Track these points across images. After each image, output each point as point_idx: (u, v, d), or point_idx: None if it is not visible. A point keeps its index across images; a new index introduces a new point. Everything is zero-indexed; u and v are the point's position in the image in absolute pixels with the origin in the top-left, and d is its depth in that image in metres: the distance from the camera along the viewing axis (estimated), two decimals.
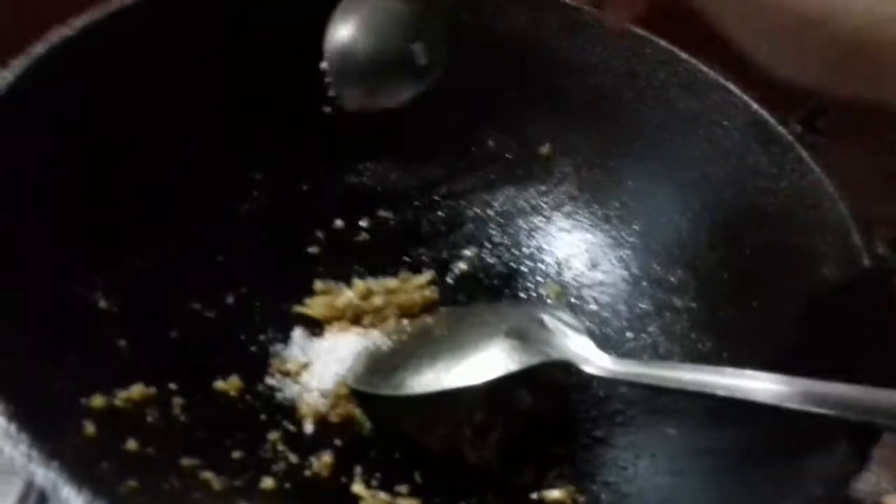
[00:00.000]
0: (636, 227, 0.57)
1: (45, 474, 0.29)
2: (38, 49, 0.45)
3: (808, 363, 0.40)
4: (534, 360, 0.44)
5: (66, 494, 0.29)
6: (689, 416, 0.47)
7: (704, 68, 0.52)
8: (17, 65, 0.44)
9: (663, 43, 0.53)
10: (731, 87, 0.51)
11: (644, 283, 0.55)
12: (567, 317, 0.47)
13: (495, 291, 0.57)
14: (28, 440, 0.30)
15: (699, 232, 0.53)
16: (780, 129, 0.49)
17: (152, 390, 0.44)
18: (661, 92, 0.54)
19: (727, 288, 0.50)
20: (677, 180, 0.54)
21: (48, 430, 0.33)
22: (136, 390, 0.43)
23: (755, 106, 0.51)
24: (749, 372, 0.39)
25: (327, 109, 0.59)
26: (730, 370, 0.40)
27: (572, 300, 0.57)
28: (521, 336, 0.45)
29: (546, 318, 0.46)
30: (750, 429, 0.42)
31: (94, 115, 0.48)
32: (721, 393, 0.38)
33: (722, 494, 0.40)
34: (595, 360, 0.43)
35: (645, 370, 0.42)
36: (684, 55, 0.53)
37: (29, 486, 0.49)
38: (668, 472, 0.44)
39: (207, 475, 0.42)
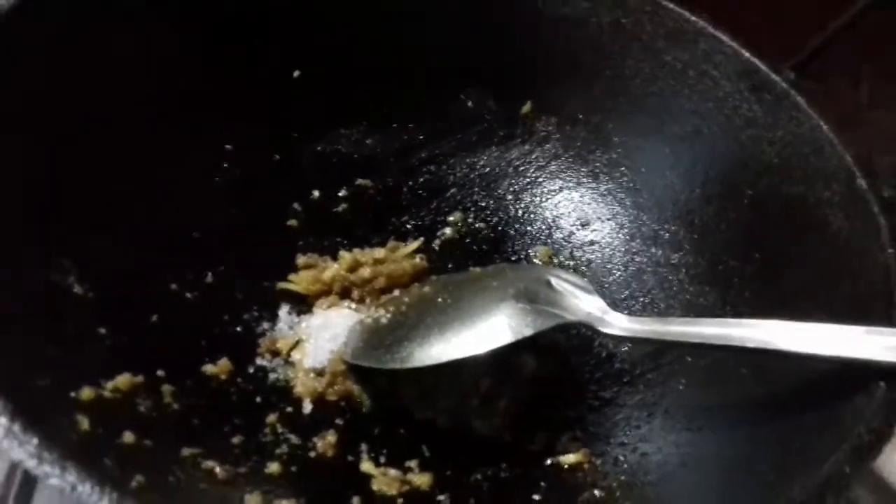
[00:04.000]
0: (626, 184, 0.55)
1: (61, 475, 0.26)
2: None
3: (816, 312, 0.40)
4: (548, 323, 0.42)
5: (86, 495, 0.26)
6: (699, 370, 0.46)
7: (692, 17, 0.51)
8: None
9: None
10: (721, 35, 0.50)
11: (637, 240, 0.54)
12: (574, 277, 0.45)
13: (484, 256, 0.56)
14: (36, 440, 0.27)
15: (693, 186, 0.52)
16: (774, 76, 0.48)
17: (140, 378, 0.41)
18: (647, 44, 0.53)
19: (726, 240, 0.50)
20: (667, 134, 0.53)
21: (49, 428, 0.30)
22: (123, 380, 0.40)
23: (746, 54, 0.50)
24: (773, 322, 0.38)
25: (296, 73, 0.57)
26: (752, 321, 0.39)
27: (564, 261, 0.55)
28: (532, 299, 0.43)
29: (553, 279, 0.45)
30: (767, 379, 0.42)
31: (56, 86, 0.44)
32: (750, 345, 0.37)
33: (750, 445, 0.39)
34: (611, 321, 0.42)
35: (666, 327, 0.41)
36: (670, 4, 0.52)
37: (13, 467, 0.46)
38: (686, 429, 0.43)
39: (210, 464, 0.39)
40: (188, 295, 0.48)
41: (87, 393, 0.37)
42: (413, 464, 0.44)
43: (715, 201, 0.51)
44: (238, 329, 0.49)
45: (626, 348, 0.49)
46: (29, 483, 0.45)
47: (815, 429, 0.37)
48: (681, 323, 0.41)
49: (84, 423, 0.35)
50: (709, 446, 0.42)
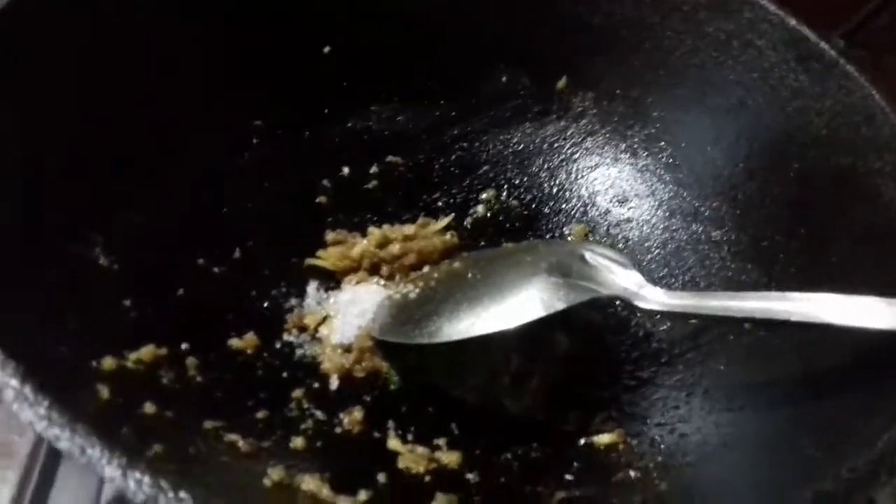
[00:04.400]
0: (665, 160, 0.53)
1: (70, 438, 0.26)
2: None
3: (863, 287, 0.38)
4: (581, 297, 0.40)
5: (96, 458, 0.25)
6: (738, 350, 0.44)
7: None
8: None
9: None
10: (766, 4, 0.48)
11: (677, 217, 0.52)
12: (610, 251, 0.44)
13: (517, 234, 0.54)
14: (47, 402, 0.27)
15: (736, 160, 0.50)
16: (822, 45, 0.46)
17: (163, 351, 0.40)
18: (689, 14, 0.51)
19: (771, 215, 0.47)
20: (709, 108, 0.51)
21: (64, 393, 0.29)
22: (147, 351, 0.40)
23: (793, 22, 0.47)
24: (820, 295, 0.36)
25: (327, 49, 0.56)
26: (797, 294, 0.37)
27: (600, 239, 0.54)
28: (565, 273, 0.41)
29: (587, 253, 0.43)
30: (810, 356, 0.40)
31: (87, 60, 0.44)
32: (796, 318, 0.35)
33: (794, 425, 0.37)
34: (648, 295, 0.40)
35: (706, 301, 0.39)
36: None
37: (28, 470, 0.45)
38: (726, 409, 0.41)
39: (233, 437, 0.38)
40: (215, 269, 0.48)
41: (108, 363, 0.37)
42: (441, 442, 0.42)
43: (759, 175, 0.49)
44: (265, 304, 0.48)
45: (665, 327, 0.48)
46: (55, 455, 0.45)
47: (863, 406, 0.35)
48: (722, 297, 0.40)
49: (104, 392, 0.34)
50: (750, 426, 0.40)
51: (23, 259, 0.37)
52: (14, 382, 0.28)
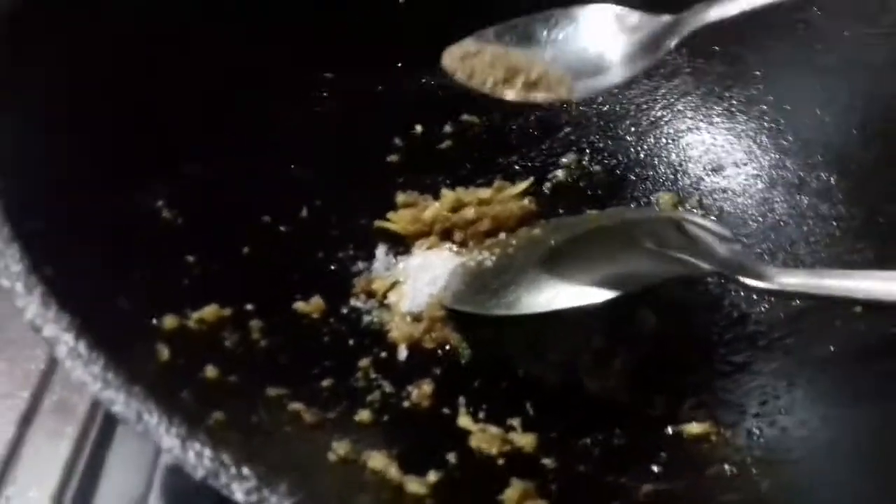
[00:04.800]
0: (767, 124, 0.49)
1: (125, 402, 0.23)
2: None
3: None
4: (680, 270, 0.37)
5: (153, 426, 0.23)
6: (849, 335, 0.40)
7: None
8: None
9: None
10: None
11: (779, 188, 0.48)
12: (709, 223, 0.40)
13: (600, 202, 0.50)
14: (102, 361, 0.24)
15: (849, 127, 0.45)
16: None
17: (227, 311, 0.38)
18: None
19: (888, 189, 0.43)
20: (819, 66, 0.47)
21: (121, 352, 0.27)
22: (210, 311, 0.38)
23: None
24: None
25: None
26: None
27: (692, 210, 0.49)
28: (661, 243, 0.38)
29: (684, 223, 0.39)
30: None
31: (157, 8, 0.42)
32: None
33: None
34: (757, 271, 0.36)
35: (823, 281, 0.35)
36: None
37: (89, 420, 0.44)
38: (836, 404, 0.37)
39: (297, 406, 0.36)
40: (282, 228, 0.46)
41: (170, 322, 0.35)
42: (516, 422, 0.39)
43: (876, 143, 0.44)
44: (332, 267, 0.46)
45: (763, 308, 0.44)
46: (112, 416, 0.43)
47: None
48: (839, 276, 0.35)
49: (164, 352, 0.32)
50: (864, 423, 0.36)
51: (84, 206, 0.35)
52: (67, 338, 0.25)
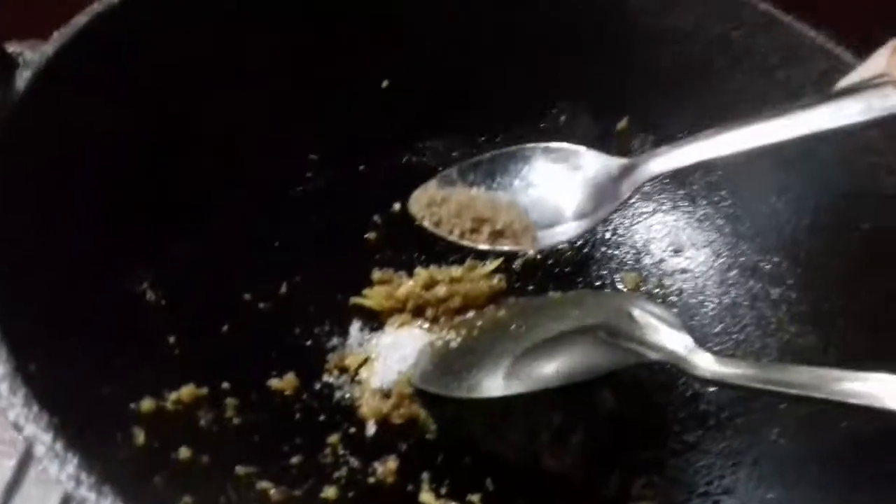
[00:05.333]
0: (725, 209, 0.52)
1: (96, 500, 0.26)
2: (80, 19, 0.41)
3: None
4: (628, 360, 0.39)
5: None
6: (795, 419, 0.42)
7: (810, 32, 0.46)
8: (58, 37, 0.41)
9: (762, 5, 0.48)
10: (841, 52, 0.46)
11: (735, 271, 0.50)
12: (659, 309, 0.42)
13: (567, 279, 0.53)
14: (77, 460, 0.27)
15: (800, 215, 0.47)
16: None
17: (204, 390, 0.41)
18: (758, 59, 0.49)
19: (834, 276, 0.45)
20: (775, 158, 0.49)
21: (97, 445, 0.29)
22: (187, 391, 0.40)
23: None
24: (883, 376, 0.34)
25: (385, 84, 0.55)
26: (858, 374, 0.34)
27: (652, 289, 0.52)
28: (612, 333, 0.40)
29: (636, 311, 0.41)
30: (874, 435, 0.38)
31: (138, 92, 0.45)
32: (853, 402, 0.33)
33: None
34: (697, 362, 0.38)
35: (758, 373, 0.37)
36: (787, 18, 0.47)
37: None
38: (777, 484, 0.40)
39: (265, 485, 0.38)
40: (261, 305, 0.48)
41: (147, 404, 0.37)
42: (475, 498, 0.42)
43: (824, 233, 0.46)
44: (308, 343, 0.48)
45: (714, 389, 0.46)
46: None
47: None
48: (776, 370, 0.37)
49: (140, 437, 0.34)
50: None
51: (72, 295, 0.37)
52: (46, 437, 0.28)
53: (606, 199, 0.40)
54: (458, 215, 0.41)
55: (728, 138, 0.38)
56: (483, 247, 0.41)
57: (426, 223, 0.41)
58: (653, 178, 0.40)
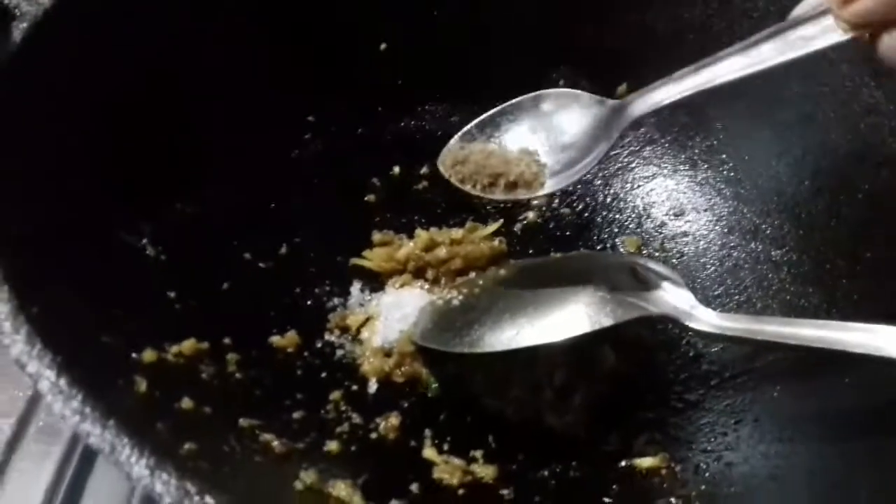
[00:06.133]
0: (726, 173, 0.52)
1: (100, 434, 0.26)
2: None
3: None
4: (630, 314, 0.39)
5: (125, 457, 0.25)
6: (795, 377, 0.42)
7: None
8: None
9: None
10: None
11: (736, 234, 0.50)
12: (661, 267, 0.42)
13: (567, 243, 0.53)
14: (81, 396, 0.26)
15: (801, 177, 0.47)
16: None
17: (205, 345, 0.40)
18: (758, 22, 0.48)
19: (836, 237, 0.45)
20: (775, 121, 0.49)
21: (100, 386, 0.29)
22: (189, 344, 0.40)
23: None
24: (884, 327, 0.34)
25: (383, 47, 0.55)
26: (859, 325, 0.35)
27: (653, 252, 0.52)
28: (614, 288, 0.40)
29: (639, 268, 0.41)
30: (870, 391, 0.38)
31: (136, 48, 0.44)
32: (855, 351, 0.33)
33: (847, 463, 0.35)
34: (700, 316, 0.38)
35: (760, 326, 0.37)
36: None
37: (72, 444, 0.46)
38: (777, 440, 0.40)
39: (268, 437, 0.38)
40: (261, 265, 0.48)
41: (149, 355, 0.37)
42: (478, 454, 0.41)
43: (825, 195, 0.46)
44: (309, 303, 0.48)
45: (717, 349, 0.46)
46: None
47: None
48: (777, 322, 0.38)
49: (142, 385, 0.34)
50: (801, 460, 0.38)
51: (72, 245, 0.37)
52: (49, 374, 0.28)
53: (602, 137, 0.42)
54: (478, 172, 0.43)
55: (702, 75, 0.39)
56: (501, 198, 0.43)
57: (453, 179, 0.44)
58: (641, 116, 0.41)
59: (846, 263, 0.44)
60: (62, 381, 0.27)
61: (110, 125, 0.42)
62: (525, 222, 0.54)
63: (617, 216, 0.54)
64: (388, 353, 0.45)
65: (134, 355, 0.36)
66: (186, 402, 0.36)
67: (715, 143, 0.52)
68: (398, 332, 0.46)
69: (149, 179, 0.44)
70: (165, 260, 0.43)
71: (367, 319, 0.47)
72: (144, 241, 0.43)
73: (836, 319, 0.42)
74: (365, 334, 0.47)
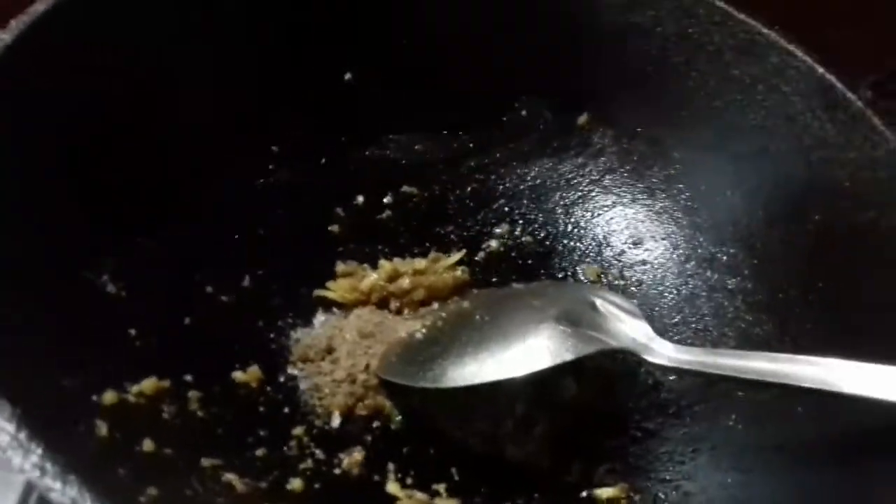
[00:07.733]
0: (683, 202, 0.53)
1: (61, 490, 0.26)
2: (39, 7, 0.40)
3: (884, 351, 0.37)
4: (589, 348, 0.40)
5: None
6: (751, 406, 0.43)
7: (763, 29, 0.48)
8: (17, 25, 0.40)
9: (718, 2, 0.49)
10: (794, 49, 0.47)
11: (692, 262, 0.51)
12: (620, 299, 0.43)
13: (530, 272, 0.53)
14: (41, 449, 0.26)
15: (755, 207, 0.49)
16: (849, 94, 0.45)
17: (166, 383, 0.40)
18: (714, 56, 0.50)
19: (788, 267, 0.46)
20: (731, 152, 0.50)
21: (60, 435, 0.29)
22: (149, 384, 0.39)
23: (820, 70, 0.46)
24: (834, 361, 0.35)
25: (348, 76, 0.55)
26: (810, 358, 0.36)
27: (613, 281, 0.53)
28: (574, 321, 0.41)
29: (598, 301, 0.42)
30: (827, 421, 0.39)
31: (97, 82, 0.44)
32: (807, 385, 0.34)
33: (804, 493, 0.36)
34: (657, 349, 0.39)
35: (715, 359, 0.38)
36: (741, 15, 0.48)
37: (30, 486, 0.45)
38: (734, 469, 0.41)
39: (230, 477, 0.38)
40: (223, 298, 0.48)
41: (109, 397, 0.36)
42: (441, 487, 0.42)
43: (779, 225, 0.48)
44: (271, 335, 0.48)
45: (674, 378, 0.47)
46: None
47: (880, 480, 0.33)
48: (732, 356, 0.39)
49: (103, 429, 0.34)
50: (758, 490, 0.39)
51: (33, 287, 0.37)
52: (10, 427, 0.27)
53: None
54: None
55: None
56: None
57: None
58: None
59: (798, 293, 0.45)
60: (21, 435, 0.27)
61: (70, 161, 0.42)
62: (488, 251, 0.54)
63: (578, 244, 0.54)
64: (351, 386, 0.46)
65: (94, 398, 0.36)
66: (147, 444, 0.36)
67: (672, 172, 0.53)
68: (362, 365, 0.46)
69: (108, 214, 0.43)
70: (126, 296, 0.42)
71: (330, 351, 0.47)
72: (105, 277, 0.42)
73: (788, 347, 0.44)
74: (328, 366, 0.47)
